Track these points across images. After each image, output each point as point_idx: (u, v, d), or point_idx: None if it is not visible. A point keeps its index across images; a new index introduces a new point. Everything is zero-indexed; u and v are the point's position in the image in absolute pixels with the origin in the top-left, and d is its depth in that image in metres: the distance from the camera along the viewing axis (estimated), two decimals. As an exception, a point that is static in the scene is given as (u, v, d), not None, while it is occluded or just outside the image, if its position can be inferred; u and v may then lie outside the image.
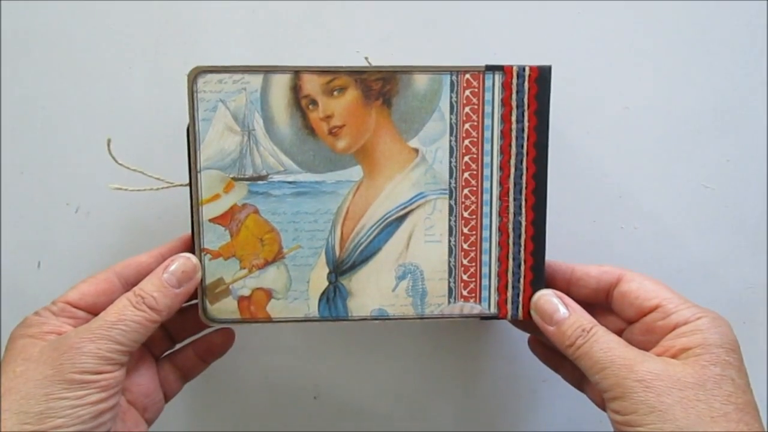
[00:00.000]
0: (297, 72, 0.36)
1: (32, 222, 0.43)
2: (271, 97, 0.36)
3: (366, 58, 0.40)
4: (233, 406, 0.48)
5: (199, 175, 0.37)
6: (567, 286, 0.39)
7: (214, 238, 0.37)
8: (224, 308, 0.38)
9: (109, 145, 0.37)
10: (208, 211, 0.37)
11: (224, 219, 0.37)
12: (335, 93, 0.37)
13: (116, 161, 0.37)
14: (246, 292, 0.38)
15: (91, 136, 0.43)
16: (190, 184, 0.37)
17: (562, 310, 0.37)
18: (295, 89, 0.36)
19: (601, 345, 0.34)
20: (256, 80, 0.36)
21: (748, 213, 0.45)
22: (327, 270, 0.38)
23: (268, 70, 0.36)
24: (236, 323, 0.38)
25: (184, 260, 0.36)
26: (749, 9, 0.44)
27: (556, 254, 0.40)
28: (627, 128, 0.44)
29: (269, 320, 0.38)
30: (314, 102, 0.37)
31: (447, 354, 0.47)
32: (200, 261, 0.37)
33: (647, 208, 0.45)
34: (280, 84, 0.36)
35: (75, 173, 0.43)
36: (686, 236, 0.45)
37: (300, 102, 0.37)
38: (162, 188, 0.39)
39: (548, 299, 0.37)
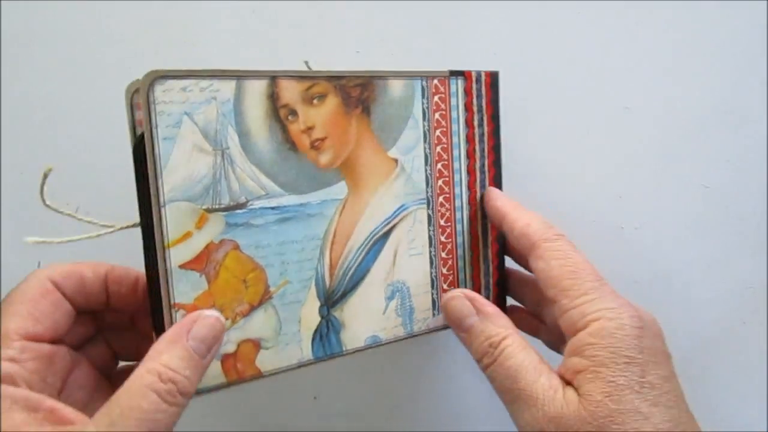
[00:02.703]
0: (274, 78, 0.31)
1: (32, 222, 0.41)
2: (245, 107, 0.30)
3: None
4: (233, 405, 0.44)
5: (162, 210, 0.28)
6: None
7: (187, 288, 0.29)
8: (206, 374, 0.30)
9: (44, 179, 0.27)
10: (178, 255, 0.29)
11: (198, 262, 0.29)
12: (315, 101, 0.32)
13: (44, 202, 0.27)
14: (230, 348, 0.31)
15: (91, 136, 0.41)
16: (144, 223, 0.28)
17: (473, 315, 0.34)
18: (273, 98, 0.31)
19: (508, 369, 0.31)
20: (228, 87, 0.30)
21: (748, 213, 0.45)
22: (318, 303, 0.33)
23: (240, 76, 0.30)
24: (221, 388, 0.31)
25: (214, 321, 0.29)
26: (749, 9, 0.43)
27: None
28: (627, 128, 0.44)
29: (260, 376, 0.32)
30: (294, 112, 0.32)
31: (447, 353, 0.46)
32: (171, 321, 0.29)
33: (647, 208, 0.44)
34: (256, 92, 0.30)
35: (75, 173, 0.41)
36: (686, 236, 0.45)
37: (278, 112, 0.31)
38: (101, 235, 0.30)
39: (458, 302, 0.34)
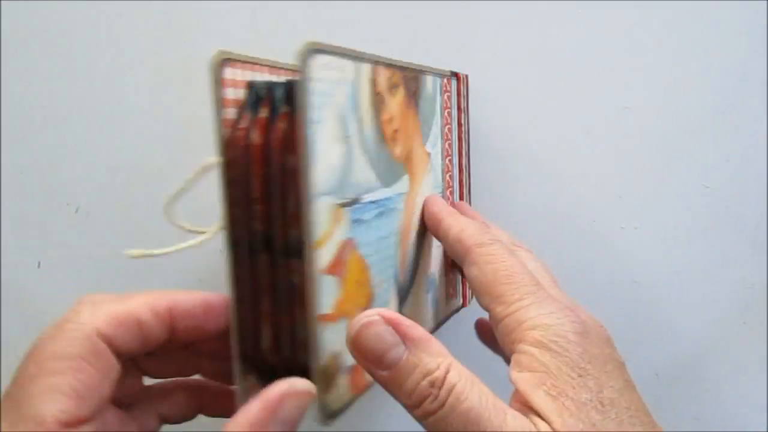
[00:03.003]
0: (375, 63, 0.29)
1: (32, 222, 0.43)
2: (360, 92, 0.28)
3: None
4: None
5: (312, 206, 0.24)
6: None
7: (328, 296, 0.25)
8: (339, 393, 0.26)
9: (200, 174, 0.20)
10: (322, 259, 0.25)
11: (335, 265, 0.26)
12: (393, 91, 0.31)
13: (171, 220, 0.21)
14: (353, 360, 0.27)
15: (91, 136, 0.41)
16: (232, 224, 0.24)
17: (398, 344, 0.25)
18: (374, 84, 0.29)
19: (466, 414, 0.23)
20: (351, 69, 0.27)
21: (748, 213, 0.44)
22: (396, 302, 0.32)
23: (356, 57, 0.27)
24: (349, 406, 0.27)
25: (304, 396, 0.24)
26: (749, 9, 0.42)
27: (555, 253, 0.41)
28: (627, 128, 0.43)
29: (367, 387, 0.29)
30: (383, 101, 0.30)
31: (448, 349, 0.44)
32: (315, 336, 0.25)
33: (647, 208, 0.44)
34: (366, 76, 0.28)
35: (75, 173, 0.42)
36: (686, 236, 0.44)
37: (376, 100, 0.29)
38: (203, 242, 0.23)
39: (376, 330, 0.24)
